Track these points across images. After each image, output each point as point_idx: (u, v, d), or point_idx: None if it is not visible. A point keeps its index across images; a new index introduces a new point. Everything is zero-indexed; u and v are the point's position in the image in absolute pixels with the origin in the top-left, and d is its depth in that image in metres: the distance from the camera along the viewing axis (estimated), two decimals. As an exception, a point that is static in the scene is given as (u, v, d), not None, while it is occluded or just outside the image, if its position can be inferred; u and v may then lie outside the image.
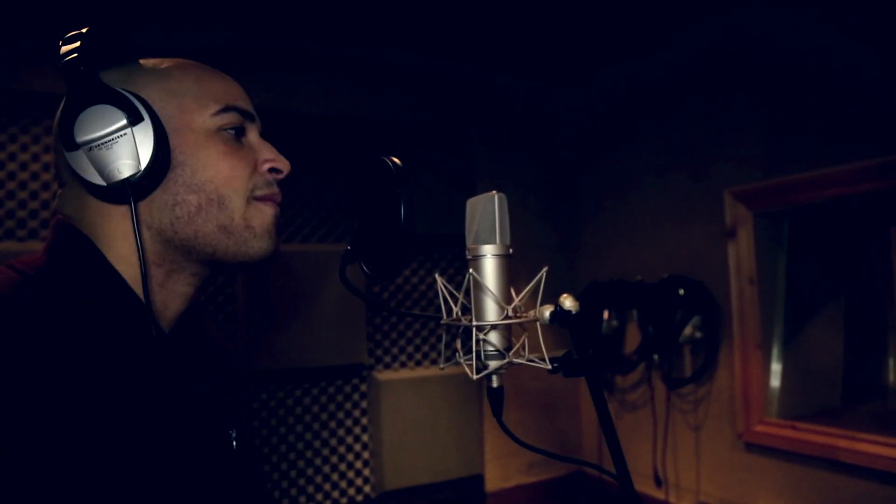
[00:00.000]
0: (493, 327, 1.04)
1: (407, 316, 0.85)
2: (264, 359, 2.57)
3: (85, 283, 0.73)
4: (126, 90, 0.72)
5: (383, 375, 2.77)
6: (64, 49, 0.71)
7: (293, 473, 2.60)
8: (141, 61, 0.80)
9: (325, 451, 2.67)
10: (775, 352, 2.31)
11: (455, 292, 1.06)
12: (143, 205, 0.75)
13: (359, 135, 2.81)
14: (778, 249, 2.33)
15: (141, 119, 0.71)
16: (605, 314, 2.88)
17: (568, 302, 1.09)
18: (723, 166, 2.42)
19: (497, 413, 1.03)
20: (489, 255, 1.02)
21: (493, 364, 1.01)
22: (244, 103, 0.83)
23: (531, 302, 1.02)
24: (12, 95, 2.29)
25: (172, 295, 0.79)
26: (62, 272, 0.73)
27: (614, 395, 3.00)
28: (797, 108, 2.14)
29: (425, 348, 2.92)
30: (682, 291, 2.52)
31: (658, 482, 2.68)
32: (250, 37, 2.65)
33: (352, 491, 2.70)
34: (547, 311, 1.13)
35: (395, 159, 0.97)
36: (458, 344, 1.02)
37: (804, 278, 2.35)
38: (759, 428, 2.25)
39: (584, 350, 1.09)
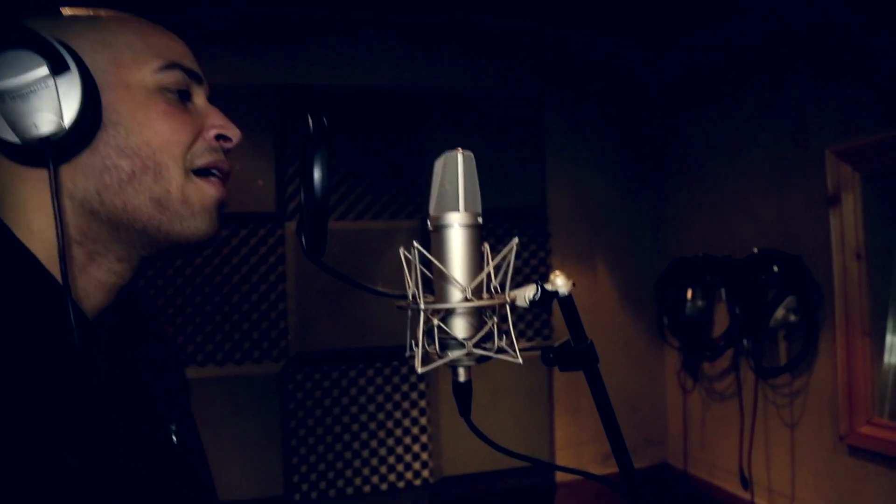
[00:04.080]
0: (451, 312, 0.86)
1: (376, 294, 0.75)
2: (318, 338, 2.51)
3: None
4: (53, 38, 0.62)
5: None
6: None
7: (348, 455, 2.53)
8: (72, 10, 0.70)
9: (382, 434, 2.58)
10: (889, 340, 1.94)
11: (425, 269, 0.89)
12: (65, 169, 0.65)
13: (418, 107, 2.65)
14: (893, 217, 1.93)
15: (66, 68, 0.61)
16: (689, 293, 2.57)
17: (559, 280, 0.89)
18: (824, 122, 2.03)
19: (464, 412, 0.86)
20: (455, 226, 0.84)
21: (451, 354, 0.84)
22: (190, 62, 0.73)
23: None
24: None
25: (94, 283, 0.69)
26: None
27: (700, 382, 2.68)
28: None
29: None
30: (775, 268, 2.17)
31: (744, 482, 2.36)
32: (307, 7, 2.55)
33: (409, 475, 2.60)
34: (529, 292, 0.93)
35: (322, 117, 0.81)
36: (420, 330, 0.85)
37: (930, 251, 1.94)
38: (866, 429, 1.90)
39: (581, 339, 0.89)
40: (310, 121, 0.78)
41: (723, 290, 2.48)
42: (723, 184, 2.53)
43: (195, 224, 0.70)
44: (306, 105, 2.52)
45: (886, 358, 1.95)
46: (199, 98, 0.74)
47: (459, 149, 0.86)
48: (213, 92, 0.79)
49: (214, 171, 0.73)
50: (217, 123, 0.73)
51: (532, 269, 2.78)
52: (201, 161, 0.71)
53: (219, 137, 0.73)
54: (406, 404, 2.62)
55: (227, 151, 0.75)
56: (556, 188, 2.85)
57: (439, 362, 0.82)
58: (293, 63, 2.55)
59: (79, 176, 0.65)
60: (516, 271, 3.04)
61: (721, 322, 2.51)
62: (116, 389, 0.67)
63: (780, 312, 2.10)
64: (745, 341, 2.35)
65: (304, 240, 0.80)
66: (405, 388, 2.62)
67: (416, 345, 0.83)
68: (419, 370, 0.79)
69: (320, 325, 2.51)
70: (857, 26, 1.92)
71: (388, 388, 2.60)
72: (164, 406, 0.77)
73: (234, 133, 0.74)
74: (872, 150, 1.85)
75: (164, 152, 0.67)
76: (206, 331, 2.41)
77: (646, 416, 2.95)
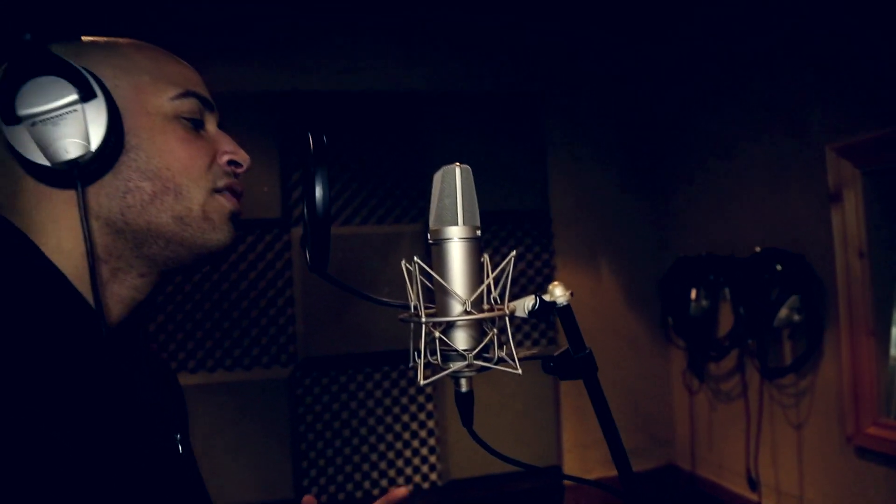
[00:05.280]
0: (451, 324, 0.89)
1: (380, 305, 0.76)
2: (325, 343, 2.53)
3: (13, 277, 0.65)
4: (79, 65, 0.65)
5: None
6: (9, 17, 0.67)
7: (356, 458, 2.55)
8: (90, 38, 0.73)
9: (390, 437, 2.60)
10: (894, 336, 1.94)
11: (426, 281, 0.91)
12: (89, 191, 0.69)
13: (418, 110, 2.67)
14: (894, 214, 1.93)
15: (94, 95, 0.64)
16: (693, 293, 2.57)
17: (558, 291, 0.91)
18: (824, 119, 2.04)
19: (466, 422, 0.88)
20: (455, 239, 0.86)
21: (453, 366, 0.86)
22: (203, 90, 0.77)
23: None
24: None
25: (115, 298, 0.72)
26: None
27: (706, 382, 2.69)
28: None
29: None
30: (779, 267, 2.18)
31: (752, 484, 2.36)
32: (307, 14, 2.57)
33: (418, 478, 2.61)
34: (528, 303, 0.95)
35: (322, 135, 0.83)
36: (422, 342, 0.87)
37: (934, 249, 1.94)
38: (873, 430, 1.90)
39: (580, 348, 0.91)
40: (310, 139, 0.80)
41: (727, 290, 2.49)
42: (724, 181, 2.53)
43: (216, 236, 0.75)
44: (308, 116, 2.54)
45: (893, 354, 1.95)
46: (211, 125, 0.79)
47: (458, 163, 0.88)
48: (220, 100, 0.83)
49: (229, 194, 0.79)
50: (229, 150, 0.78)
51: (536, 271, 2.79)
52: (221, 183, 0.77)
53: (230, 163, 0.78)
54: (413, 407, 2.64)
55: (237, 175, 0.80)
56: (559, 189, 2.86)
57: (441, 374, 0.84)
58: (295, 70, 2.57)
59: (103, 197, 0.69)
60: (520, 273, 3.05)
61: (726, 322, 2.52)
62: (131, 399, 0.70)
63: (783, 312, 2.11)
64: (749, 341, 2.36)
65: (308, 254, 0.82)
66: (412, 391, 2.64)
67: (419, 357, 0.85)
68: (421, 382, 0.81)
69: (328, 329, 2.53)
70: (857, 23, 1.92)
71: (395, 392, 2.61)
72: (170, 416, 0.80)
73: (244, 159, 0.80)
74: (873, 147, 1.85)
75: (183, 175, 0.72)
76: (216, 337, 2.44)
77: (653, 417, 2.96)
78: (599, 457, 2.84)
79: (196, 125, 0.75)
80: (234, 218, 0.78)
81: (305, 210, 0.81)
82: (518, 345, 3.11)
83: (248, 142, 2.67)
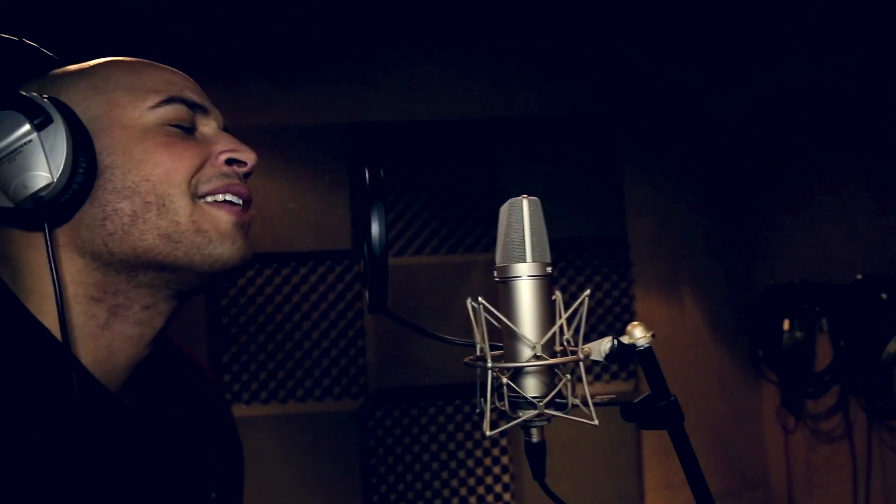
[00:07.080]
0: (520, 370, 0.83)
1: (445, 343, 0.73)
2: (396, 375, 2.50)
3: None
4: (39, 95, 0.61)
5: (522, 393, 2.57)
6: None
7: (428, 494, 2.49)
8: (62, 69, 0.69)
9: (462, 473, 2.53)
10: None
11: (493, 321, 0.86)
12: (69, 227, 0.63)
13: (489, 137, 2.64)
14: None
15: (50, 121, 0.59)
16: (786, 324, 2.39)
17: (638, 332, 0.84)
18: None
19: (538, 474, 0.81)
20: (523, 277, 0.81)
21: (522, 415, 0.80)
22: (193, 94, 0.70)
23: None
24: None
25: (119, 339, 0.66)
26: None
27: (804, 421, 2.48)
28: None
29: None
30: (884, 296, 1.99)
31: (861, 536, 2.14)
32: (369, 41, 2.60)
33: (491, 517, 2.52)
34: (604, 346, 0.88)
35: (380, 169, 0.79)
36: (489, 389, 0.82)
37: None
38: None
39: (664, 395, 0.83)
40: (367, 173, 0.76)
41: (824, 320, 2.30)
42: (818, 203, 2.36)
43: (217, 251, 0.66)
44: (376, 146, 2.55)
45: None
46: (207, 127, 0.71)
47: (525, 195, 0.81)
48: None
49: (230, 198, 0.69)
50: (227, 147, 0.69)
51: (614, 301, 2.67)
52: (208, 187, 0.67)
53: (231, 162, 0.69)
54: (487, 443, 2.56)
55: (246, 176, 0.72)
56: (636, 215, 2.74)
57: (510, 424, 0.78)
58: (364, 100, 2.59)
59: (83, 229, 0.63)
60: (597, 303, 2.93)
61: (824, 355, 2.32)
62: (147, 457, 0.65)
63: (892, 346, 1.91)
64: (854, 377, 2.15)
65: (366, 294, 0.78)
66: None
67: (485, 404, 0.79)
68: (487, 433, 0.74)
69: (399, 361, 2.50)
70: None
71: (468, 426, 2.55)
72: (204, 472, 0.74)
73: (247, 156, 0.70)
74: None
75: (164, 183, 0.64)
76: (287, 367, 2.45)
77: (743, 457, 2.75)
78: (685, 499, 2.65)
79: (186, 131, 0.67)
80: (241, 230, 0.69)
81: (365, 249, 0.77)
82: (595, 378, 2.95)
83: (318, 173, 2.68)
